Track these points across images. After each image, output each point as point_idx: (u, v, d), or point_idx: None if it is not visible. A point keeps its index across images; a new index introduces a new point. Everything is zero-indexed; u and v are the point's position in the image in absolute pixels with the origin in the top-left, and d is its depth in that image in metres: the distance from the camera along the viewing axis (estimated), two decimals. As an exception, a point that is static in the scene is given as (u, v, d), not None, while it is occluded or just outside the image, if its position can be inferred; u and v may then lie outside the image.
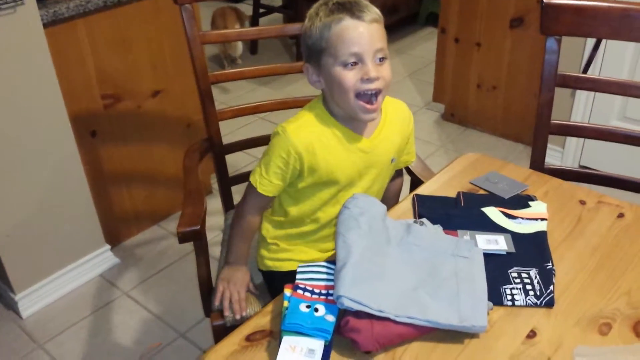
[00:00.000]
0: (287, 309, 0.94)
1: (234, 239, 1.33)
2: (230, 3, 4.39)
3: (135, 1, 2.05)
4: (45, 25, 1.81)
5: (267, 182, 1.21)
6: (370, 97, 1.14)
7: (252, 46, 4.07)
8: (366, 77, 1.11)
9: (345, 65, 1.12)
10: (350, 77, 1.12)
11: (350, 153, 1.21)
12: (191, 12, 1.46)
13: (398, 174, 1.43)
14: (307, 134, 1.18)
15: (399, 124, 1.28)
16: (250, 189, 1.25)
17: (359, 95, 1.13)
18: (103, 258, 2.23)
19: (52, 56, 1.85)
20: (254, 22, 4.03)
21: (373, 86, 1.12)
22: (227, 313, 1.28)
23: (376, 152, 1.24)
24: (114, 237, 2.32)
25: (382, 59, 1.13)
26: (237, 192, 1.47)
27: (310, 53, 1.18)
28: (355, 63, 1.11)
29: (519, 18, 2.68)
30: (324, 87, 1.19)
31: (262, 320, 0.98)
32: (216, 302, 1.30)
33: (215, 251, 1.62)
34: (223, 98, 3.46)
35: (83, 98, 2.04)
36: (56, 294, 2.11)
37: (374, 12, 1.13)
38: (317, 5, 1.17)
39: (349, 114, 1.18)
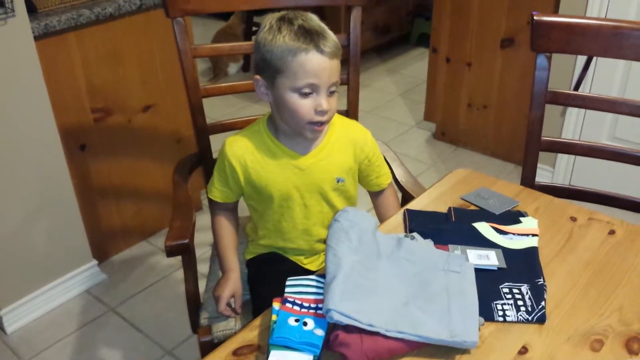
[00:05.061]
0: (275, 322, 0.92)
1: (217, 246, 1.37)
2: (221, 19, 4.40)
3: (127, 15, 2.05)
4: (36, 38, 1.80)
5: (214, 189, 1.33)
6: (320, 124, 1.20)
7: (245, 63, 4.08)
8: (319, 109, 1.17)
9: (300, 93, 1.16)
10: (304, 106, 1.17)
11: (284, 169, 1.27)
12: (183, 25, 1.46)
13: (379, 193, 1.44)
14: (240, 148, 1.27)
15: (346, 145, 1.31)
16: None
17: (309, 122, 1.19)
18: (90, 274, 2.20)
19: (43, 69, 1.84)
20: (246, 39, 4.05)
21: (324, 118, 1.19)
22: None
23: (314, 170, 1.28)
24: (101, 252, 2.29)
25: (332, 92, 1.19)
26: (227, 207, 1.46)
27: (264, 67, 1.19)
28: (310, 93, 1.16)
29: (509, 38, 2.71)
30: (272, 102, 1.23)
31: (250, 334, 0.96)
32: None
33: (204, 268, 1.60)
34: (214, 115, 3.45)
35: (73, 111, 2.03)
36: (42, 310, 2.07)
37: (336, 45, 1.17)
38: (278, 19, 1.17)
39: (294, 131, 1.23)
